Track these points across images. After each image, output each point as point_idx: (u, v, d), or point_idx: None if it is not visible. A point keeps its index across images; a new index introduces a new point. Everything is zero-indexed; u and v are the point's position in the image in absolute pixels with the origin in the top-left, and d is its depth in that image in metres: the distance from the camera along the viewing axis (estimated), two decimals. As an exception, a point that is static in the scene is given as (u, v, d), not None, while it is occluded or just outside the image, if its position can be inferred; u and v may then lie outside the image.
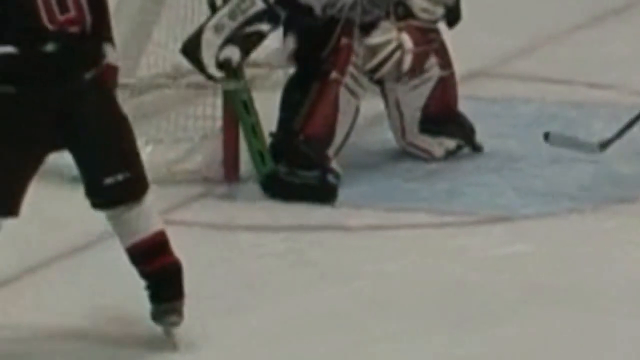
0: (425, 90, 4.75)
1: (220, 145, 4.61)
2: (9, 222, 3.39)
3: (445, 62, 4.78)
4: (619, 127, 4.47)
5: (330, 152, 4.54)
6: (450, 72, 4.80)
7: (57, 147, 3.29)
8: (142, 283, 3.33)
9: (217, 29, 4.39)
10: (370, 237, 4.20)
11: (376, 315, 3.59)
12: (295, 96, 4.63)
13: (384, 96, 4.79)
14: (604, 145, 4.49)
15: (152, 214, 3.36)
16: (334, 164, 4.52)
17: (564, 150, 4.59)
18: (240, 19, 4.39)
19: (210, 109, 4.77)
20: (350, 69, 4.60)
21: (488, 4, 5.81)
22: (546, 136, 4.56)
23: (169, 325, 3.34)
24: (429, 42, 4.66)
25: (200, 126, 4.84)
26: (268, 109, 4.60)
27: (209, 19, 4.44)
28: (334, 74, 4.57)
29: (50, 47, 3.17)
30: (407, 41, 4.57)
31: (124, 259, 3.35)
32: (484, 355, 3.41)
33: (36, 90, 3.20)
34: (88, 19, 3.19)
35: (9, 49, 3.17)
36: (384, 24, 4.59)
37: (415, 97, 4.75)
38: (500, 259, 3.99)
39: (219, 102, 4.68)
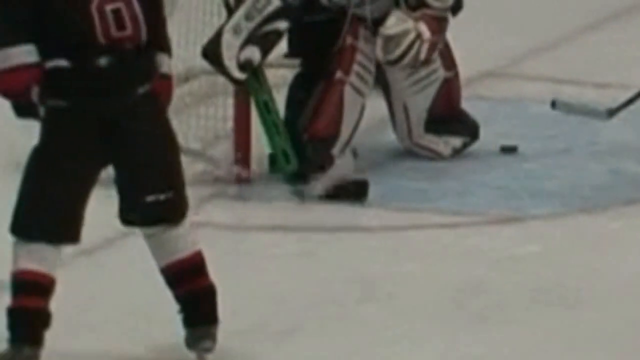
0: (431, 91, 4.75)
1: (232, 146, 4.60)
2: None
3: (450, 63, 4.79)
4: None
5: (335, 151, 4.52)
6: (454, 72, 4.81)
7: (107, 162, 3.21)
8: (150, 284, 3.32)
9: (236, 30, 4.38)
10: (381, 238, 4.19)
11: (388, 315, 3.59)
12: (300, 95, 4.63)
13: (388, 99, 4.79)
14: (612, 112, 4.50)
15: (190, 234, 3.30)
16: (338, 161, 4.49)
17: (575, 150, 4.59)
18: (258, 18, 4.38)
19: (222, 110, 4.78)
20: (356, 67, 4.60)
21: (499, 5, 5.82)
22: (553, 104, 4.57)
23: (203, 350, 3.25)
24: (442, 31, 4.67)
25: (212, 127, 4.85)
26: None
27: (226, 21, 4.43)
28: (338, 74, 4.57)
29: (103, 61, 3.10)
30: (425, 31, 4.55)
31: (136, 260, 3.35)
32: (492, 355, 3.40)
33: (88, 104, 3.14)
34: (144, 35, 3.14)
35: (61, 63, 3.10)
36: (397, 14, 4.56)
37: (421, 99, 4.75)
38: (511, 259, 3.99)
39: (230, 102, 4.68)
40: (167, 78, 3.23)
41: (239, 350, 3.34)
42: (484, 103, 5.20)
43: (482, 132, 4.84)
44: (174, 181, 3.27)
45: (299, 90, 4.66)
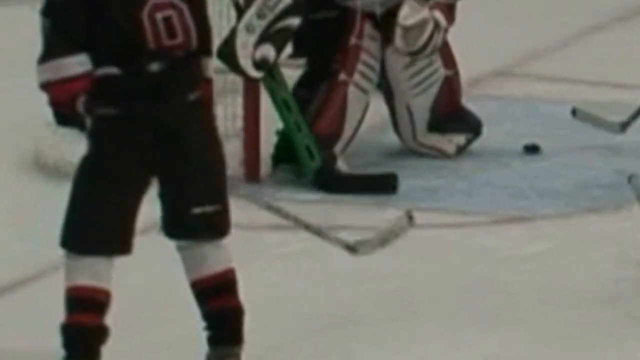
0: (433, 90, 4.77)
1: (241, 145, 4.61)
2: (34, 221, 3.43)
3: (450, 61, 4.80)
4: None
5: (338, 148, 4.55)
6: (454, 71, 4.82)
7: (158, 171, 3.15)
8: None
9: (249, 29, 4.39)
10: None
11: (397, 315, 3.60)
12: (304, 95, 4.65)
13: (390, 101, 4.80)
14: (624, 125, 4.59)
15: (226, 249, 3.25)
16: (340, 162, 4.53)
17: (584, 150, 4.61)
18: (270, 16, 4.39)
19: (231, 109, 4.78)
20: (360, 67, 4.62)
21: (508, 5, 5.84)
22: (574, 112, 4.60)
23: None
24: (453, 19, 4.68)
25: (221, 125, 4.86)
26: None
27: (238, 21, 4.44)
28: (342, 76, 4.60)
29: (155, 66, 3.07)
30: (442, 19, 4.58)
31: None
32: (500, 354, 3.43)
33: (139, 110, 3.10)
34: (194, 43, 3.12)
35: (111, 70, 3.08)
36: (411, 3, 4.55)
37: (424, 99, 4.77)
38: (519, 259, 4.00)
39: (240, 101, 4.70)
40: (209, 82, 3.22)
41: (249, 349, 3.32)
42: (493, 102, 5.22)
43: (491, 131, 4.86)
44: (221, 193, 3.21)
45: (303, 89, 4.67)
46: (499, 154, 4.82)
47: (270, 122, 4.67)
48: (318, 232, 3.56)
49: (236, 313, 3.22)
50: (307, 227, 3.58)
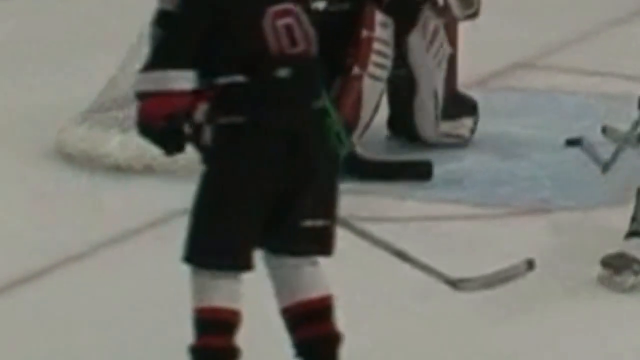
0: (444, 70, 4.77)
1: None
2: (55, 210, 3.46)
3: (453, 37, 4.80)
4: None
5: (355, 137, 4.51)
6: (455, 49, 4.82)
7: (284, 183, 3.01)
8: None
9: None
10: (406, 229, 4.16)
11: (412, 307, 3.62)
12: None
13: (411, 93, 4.74)
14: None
15: (324, 274, 3.10)
16: (358, 149, 4.50)
17: (606, 142, 4.60)
18: None
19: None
20: (373, 57, 4.61)
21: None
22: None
23: None
24: None
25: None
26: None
27: None
28: (356, 70, 4.59)
29: (282, 72, 3.00)
30: None
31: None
32: (520, 348, 3.46)
33: (267, 117, 3.01)
34: (315, 50, 3.09)
35: (236, 78, 3.00)
36: None
37: (442, 79, 4.76)
38: (538, 251, 3.87)
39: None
40: None
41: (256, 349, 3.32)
42: (516, 94, 5.23)
43: (512, 123, 4.90)
44: (333, 209, 3.11)
45: None
46: (519, 144, 4.84)
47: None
48: (413, 261, 3.42)
49: (334, 340, 3.07)
50: (399, 254, 3.41)
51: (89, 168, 3.77)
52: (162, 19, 3.05)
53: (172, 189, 3.59)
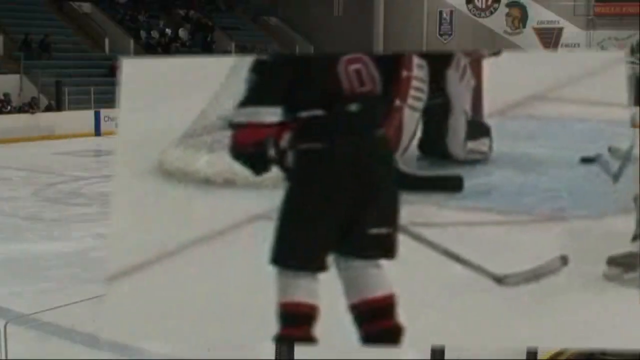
0: (470, 98, 5.14)
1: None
2: (152, 216, 3.63)
3: (478, 73, 5.16)
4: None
5: (397, 157, 4.65)
6: (479, 82, 5.17)
7: (353, 197, 3.41)
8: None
9: None
10: (445, 232, 4.12)
11: (432, 313, 3.58)
12: None
13: (444, 118, 5.09)
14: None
15: (387, 275, 3.41)
16: (401, 166, 4.58)
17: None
18: None
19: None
20: (412, 92, 4.97)
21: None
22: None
23: None
24: None
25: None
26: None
27: None
28: (397, 102, 4.95)
29: (353, 107, 3.47)
30: None
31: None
32: (540, 334, 3.58)
33: (340, 143, 3.44)
34: (379, 89, 3.50)
35: (316, 112, 3.44)
36: None
37: (470, 105, 5.13)
38: (556, 253, 4.01)
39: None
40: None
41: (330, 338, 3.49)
42: (533, 121, 5.31)
43: (532, 145, 5.03)
44: (395, 217, 3.49)
45: None
46: (539, 163, 4.98)
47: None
48: (460, 259, 3.65)
49: (398, 333, 3.35)
50: (447, 253, 3.65)
51: (182, 182, 4.07)
52: (257, 67, 3.50)
53: (249, 198, 3.80)
